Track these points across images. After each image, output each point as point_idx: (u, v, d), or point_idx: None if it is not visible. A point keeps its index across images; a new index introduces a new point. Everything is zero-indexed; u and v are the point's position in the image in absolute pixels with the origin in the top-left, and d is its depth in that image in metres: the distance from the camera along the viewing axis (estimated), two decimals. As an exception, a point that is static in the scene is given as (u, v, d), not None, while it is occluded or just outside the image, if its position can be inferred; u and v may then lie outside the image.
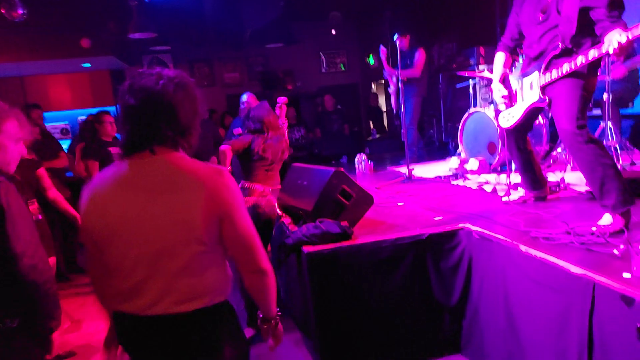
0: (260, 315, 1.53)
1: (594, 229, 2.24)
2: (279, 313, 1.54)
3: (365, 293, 2.61)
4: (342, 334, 2.62)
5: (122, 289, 1.33)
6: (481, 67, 5.83)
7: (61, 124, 9.29)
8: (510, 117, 2.85)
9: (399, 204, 3.50)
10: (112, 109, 10.48)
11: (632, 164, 3.70)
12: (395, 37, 4.44)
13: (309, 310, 2.72)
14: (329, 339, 2.62)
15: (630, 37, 2.03)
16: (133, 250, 1.28)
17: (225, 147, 3.12)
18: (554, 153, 4.22)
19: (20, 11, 5.33)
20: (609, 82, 3.94)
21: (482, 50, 6.09)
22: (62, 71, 9.49)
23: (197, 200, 1.25)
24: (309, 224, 2.72)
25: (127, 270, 1.30)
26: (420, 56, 5.48)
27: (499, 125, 4.20)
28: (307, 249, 2.58)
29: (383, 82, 9.83)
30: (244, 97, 4.58)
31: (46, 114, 6.01)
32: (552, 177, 3.46)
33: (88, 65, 9.38)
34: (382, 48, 5.56)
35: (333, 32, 9.27)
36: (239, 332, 1.48)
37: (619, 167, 2.94)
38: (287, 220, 3.18)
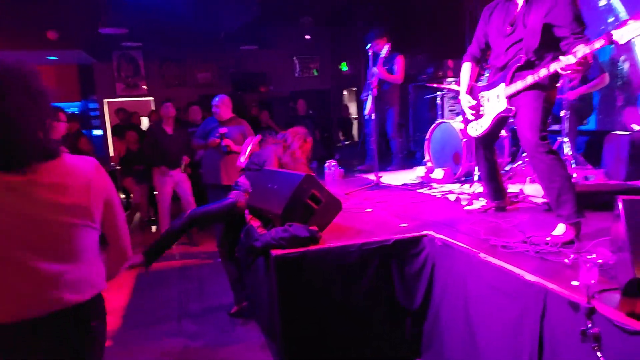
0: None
1: (548, 239, 2.37)
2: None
3: (331, 297, 2.66)
4: (306, 338, 2.65)
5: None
6: (449, 79, 6.03)
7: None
8: (478, 127, 2.97)
9: (367, 210, 3.57)
10: (78, 104, 10.25)
11: (586, 178, 3.90)
12: (368, 46, 4.53)
13: (274, 313, 2.74)
14: (293, 342, 2.65)
15: (589, 51, 2.14)
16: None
17: None
18: (515, 165, 4.40)
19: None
20: (568, 100, 4.17)
21: (450, 63, 6.28)
22: (26, 63, 9.16)
23: (86, 188, 1.29)
24: (278, 227, 2.75)
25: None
26: (401, 62, 5.41)
27: (464, 136, 4.37)
28: (275, 252, 2.61)
29: (355, 89, 9.98)
30: (216, 101, 4.64)
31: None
32: (512, 188, 3.62)
33: (54, 58, 9.10)
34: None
35: (307, 37, 9.36)
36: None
37: (573, 180, 3.11)
38: (256, 223, 3.20)
